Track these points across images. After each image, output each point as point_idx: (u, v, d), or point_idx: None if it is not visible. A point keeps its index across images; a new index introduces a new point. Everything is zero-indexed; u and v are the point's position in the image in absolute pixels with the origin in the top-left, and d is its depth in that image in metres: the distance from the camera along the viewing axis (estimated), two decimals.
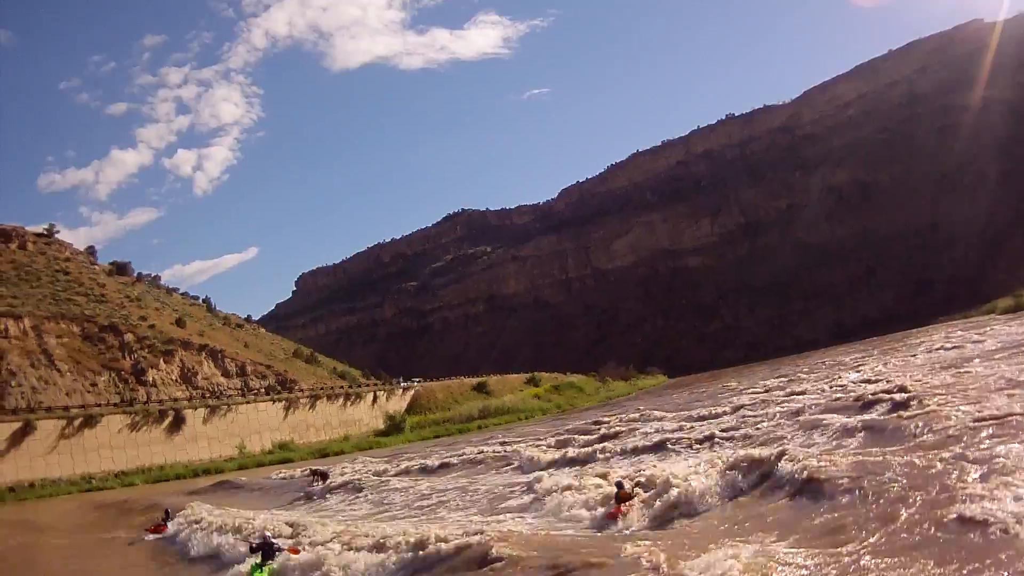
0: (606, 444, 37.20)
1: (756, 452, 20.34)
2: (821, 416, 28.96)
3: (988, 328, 70.29)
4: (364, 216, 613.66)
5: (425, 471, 44.27)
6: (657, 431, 38.74)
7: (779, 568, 11.83)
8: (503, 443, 52.11)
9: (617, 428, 45.72)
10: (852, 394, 33.85)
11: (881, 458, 17.67)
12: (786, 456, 18.77)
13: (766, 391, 52.57)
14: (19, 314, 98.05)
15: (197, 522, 30.46)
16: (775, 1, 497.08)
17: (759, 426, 32.21)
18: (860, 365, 60.15)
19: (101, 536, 36.61)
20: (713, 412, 42.89)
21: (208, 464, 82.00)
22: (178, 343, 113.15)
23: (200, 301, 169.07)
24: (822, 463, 17.48)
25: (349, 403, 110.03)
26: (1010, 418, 19.24)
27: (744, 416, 37.42)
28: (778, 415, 34.05)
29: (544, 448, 41.28)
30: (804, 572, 11.67)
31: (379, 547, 18.58)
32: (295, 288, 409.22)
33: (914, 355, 58.11)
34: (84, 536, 38.10)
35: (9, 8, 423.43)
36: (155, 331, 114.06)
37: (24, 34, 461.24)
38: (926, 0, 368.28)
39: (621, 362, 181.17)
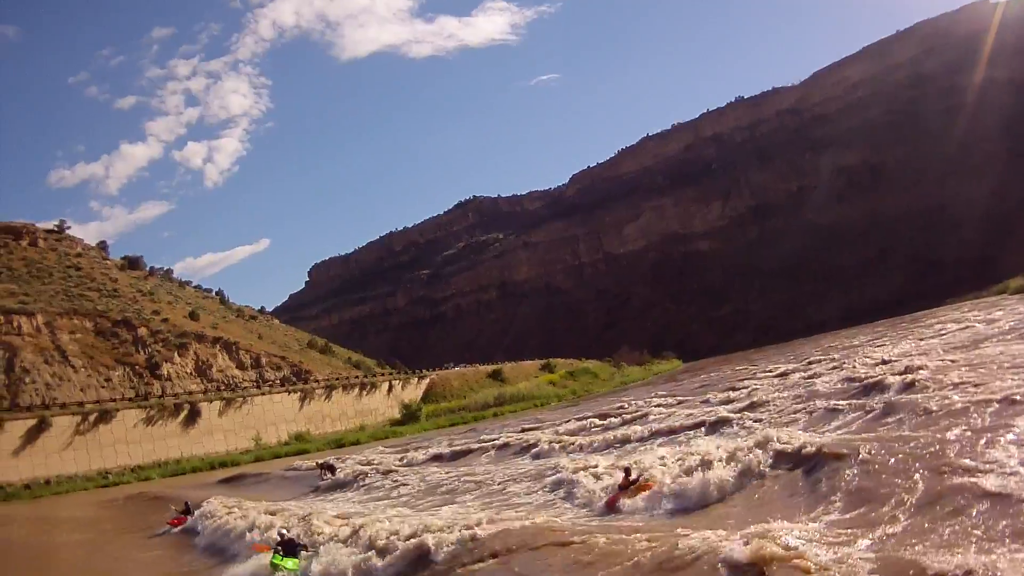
0: (629, 430, 36.95)
1: (775, 434, 20.11)
2: (837, 398, 29.13)
3: (998, 309, 69.87)
4: (375, 205, 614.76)
5: (437, 459, 44.35)
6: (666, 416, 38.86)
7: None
8: (521, 430, 51.88)
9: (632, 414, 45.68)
10: (867, 376, 33.65)
11: (901, 435, 17.73)
12: (801, 438, 18.80)
13: (781, 375, 52.29)
14: (32, 311, 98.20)
15: (215, 515, 30.41)
16: None
17: (778, 408, 32.22)
18: (874, 347, 59.95)
19: (121, 530, 36.75)
20: (728, 397, 42.81)
21: (224, 457, 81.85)
22: (192, 336, 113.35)
23: (213, 294, 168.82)
24: (841, 443, 17.49)
25: (365, 393, 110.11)
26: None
27: (760, 398, 37.29)
28: (796, 396, 34.11)
29: (558, 433, 41.38)
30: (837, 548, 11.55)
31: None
32: (307, 279, 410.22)
33: (925, 337, 57.88)
34: (104, 530, 38.14)
35: (16, 3, 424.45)
36: (168, 325, 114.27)
37: (32, 29, 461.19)
38: None
39: (633, 347, 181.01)
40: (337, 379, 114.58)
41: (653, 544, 13.21)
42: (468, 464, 40.03)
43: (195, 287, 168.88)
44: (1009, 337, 40.03)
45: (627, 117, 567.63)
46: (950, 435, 16.53)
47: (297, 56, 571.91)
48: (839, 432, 22.54)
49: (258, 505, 31.00)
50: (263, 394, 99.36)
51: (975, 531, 11.25)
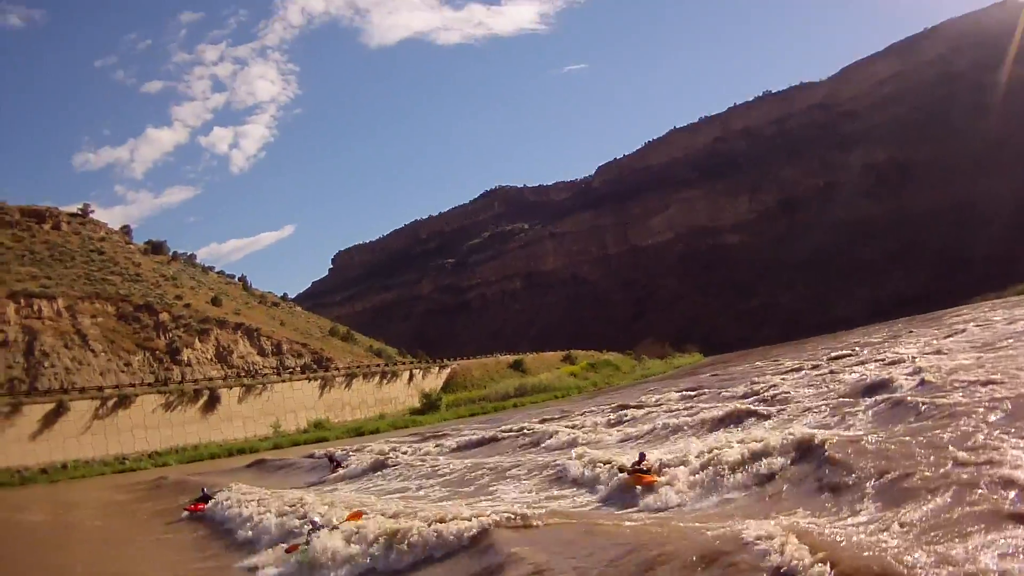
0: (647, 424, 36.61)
1: (791, 429, 19.94)
2: (855, 395, 29.55)
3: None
4: (401, 193, 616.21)
5: (456, 449, 44.01)
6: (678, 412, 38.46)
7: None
8: (541, 420, 51.48)
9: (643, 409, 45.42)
10: (886, 373, 33.52)
11: (918, 432, 17.39)
12: (817, 436, 18.41)
13: (800, 370, 51.98)
14: (53, 295, 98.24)
15: (234, 503, 29.88)
16: None
17: (796, 402, 32.20)
18: (896, 343, 59.93)
19: (138, 516, 36.37)
20: (746, 391, 42.53)
21: (243, 443, 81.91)
22: (213, 322, 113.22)
23: (236, 279, 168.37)
24: (855, 440, 17.44)
25: (385, 381, 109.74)
26: None
27: (778, 393, 37.03)
28: (815, 392, 34.29)
29: (575, 427, 41.12)
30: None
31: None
32: (331, 266, 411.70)
33: (950, 334, 57.80)
34: (120, 516, 37.81)
35: None
36: (190, 310, 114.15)
37: (59, 12, 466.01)
38: None
39: (659, 339, 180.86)
40: (358, 367, 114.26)
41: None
42: (486, 455, 39.50)
43: (218, 273, 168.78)
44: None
45: (655, 109, 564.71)
46: (964, 432, 16.51)
47: (326, 43, 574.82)
48: (854, 429, 22.32)
49: (277, 492, 30.64)
50: (283, 381, 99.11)
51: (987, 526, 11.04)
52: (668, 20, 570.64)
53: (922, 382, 27.40)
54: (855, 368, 43.07)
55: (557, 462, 26.85)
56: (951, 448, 15.00)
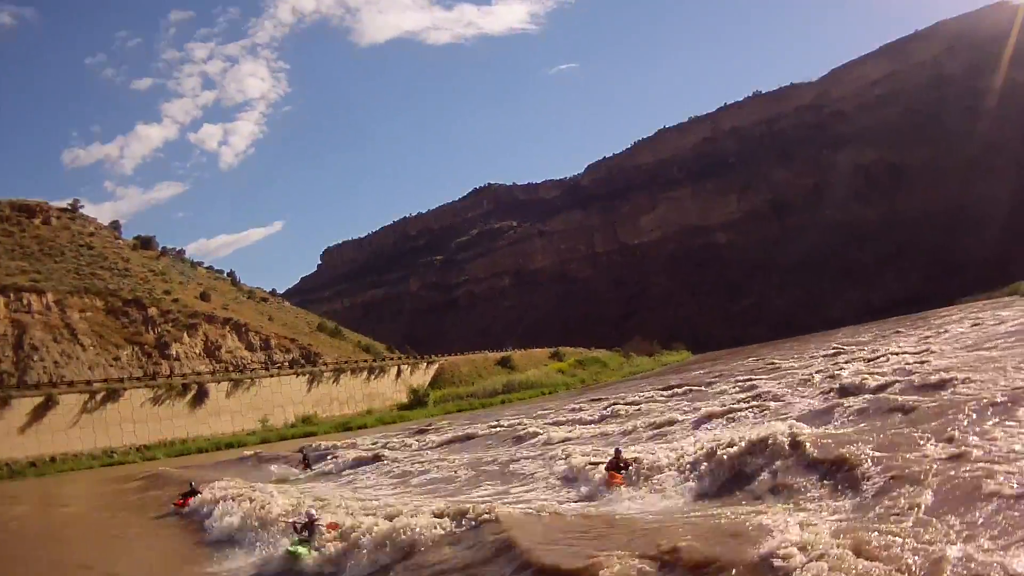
0: (630, 422, 36.99)
1: (772, 426, 20.05)
2: (838, 394, 29.82)
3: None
4: (390, 190, 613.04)
5: (441, 444, 44.36)
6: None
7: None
8: (527, 417, 51.98)
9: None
10: (871, 372, 33.85)
11: (902, 431, 17.78)
12: (800, 435, 18.50)
13: (787, 369, 52.42)
14: (42, 289, 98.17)
15: (221, 497, 29.78)
16: None
17: (778, 400, 32.45)
18: (882, 343, 60.32)
19: (125, 510, 36.58)
20: (730, 389, 42.92)
21: (231, 438, 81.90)
22: (202, 317, 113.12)
23: (225, 275, 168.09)
24: (839, 440, 17.43)
25: (373, 377, 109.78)
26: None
27: (762, 390, 37.42)
28: (799, 391, 34.41)
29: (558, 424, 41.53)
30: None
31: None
32: (320, 262, 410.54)
33: (936, 334, 58.17)
34: (107, 510, 38.04)
35: None
36: (179, 305, 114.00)
37: (49, 10, 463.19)
38: None
39: (650, 337, 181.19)
40: (346, 363, 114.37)
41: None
42: (470, 450, 39.86)
43: (207, 268, 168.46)
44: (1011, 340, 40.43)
45: (644, 108, 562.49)
46: (944, 428, 16.87)
47: (316, 41, 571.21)
48: (839, 427, 22.77)
49: (265, 487, 30.86)
50: (271, 376, 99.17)
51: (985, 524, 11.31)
52: (658, 20, 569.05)
53: (906, 381, 27.61)
54: (842, 366, 43.41)
55: (540, 458, 27.12)
56: (932, 444, 15.39)
